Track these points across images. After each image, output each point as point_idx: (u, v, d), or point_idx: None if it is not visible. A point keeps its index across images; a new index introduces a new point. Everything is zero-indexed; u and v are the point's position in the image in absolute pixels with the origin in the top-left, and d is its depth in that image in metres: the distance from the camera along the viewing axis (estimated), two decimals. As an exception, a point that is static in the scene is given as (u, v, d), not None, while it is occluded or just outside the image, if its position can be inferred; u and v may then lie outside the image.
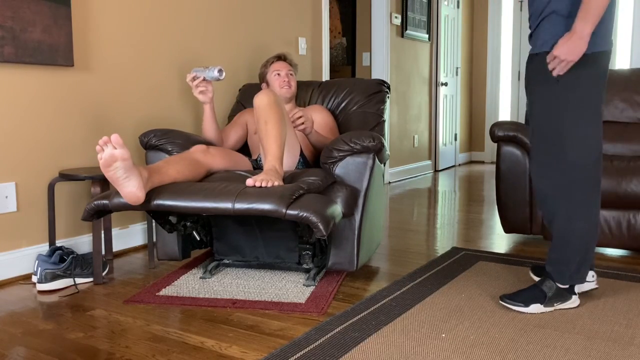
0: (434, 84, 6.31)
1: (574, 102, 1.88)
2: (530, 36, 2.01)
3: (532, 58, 2.00)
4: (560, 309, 2.03)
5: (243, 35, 3.63)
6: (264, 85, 2.91)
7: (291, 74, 2.86)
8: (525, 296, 2.02)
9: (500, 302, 2.06)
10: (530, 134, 2.05)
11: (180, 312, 2.06)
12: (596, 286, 2.18)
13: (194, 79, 2.59)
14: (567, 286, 2.02)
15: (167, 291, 2.27)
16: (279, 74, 2.83)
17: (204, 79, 2.59)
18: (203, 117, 2.66)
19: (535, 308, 2.00)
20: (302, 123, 2.53)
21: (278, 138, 2.23)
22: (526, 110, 2.06)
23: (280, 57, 2.90)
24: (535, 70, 1.98)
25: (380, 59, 5.31)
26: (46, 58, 2.52)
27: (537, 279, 2.32)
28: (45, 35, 2.50)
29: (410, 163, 5.96)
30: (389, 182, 5.50)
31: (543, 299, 2.00)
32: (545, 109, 1.94)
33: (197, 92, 2.61)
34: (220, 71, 2.54)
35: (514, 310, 2.01)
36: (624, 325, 1.90)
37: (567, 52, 1.82)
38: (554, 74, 1.88)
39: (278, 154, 2.20)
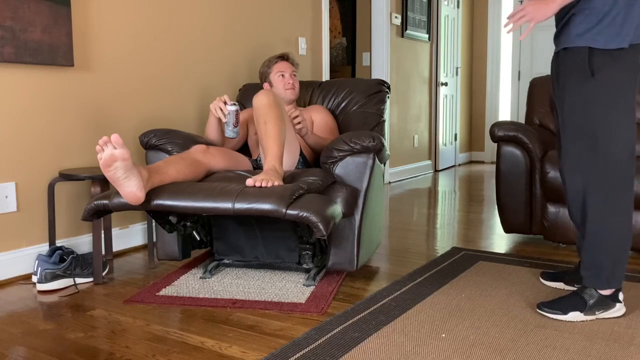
0: (434, 84, 6.31)
1: (608, 97, 1.85)
2: (557, 34, 1.98)
3: (563, 53, 1.95)
4: (603, 318, 1.96)
5: (243, 35, 3.63)
6: (265, 84, 2.90)
7: (294, 75, 2.85)
8: (563, 304, 1.96)
9: (538, 310, 2.00)
10: (560, 129, 2.00)
11: (180, 312, 2.06)
12: None
13: (222, 107, 2.47)
14: (609, 293, 1.95)
15: (167, 291, 2.27)
16: (283, 75, 2.82)
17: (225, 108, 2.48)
18: (208, 120, 2.64)
19: (575, 316, 1.93)
20: (299, 123, 2.53)
21: (278, 138, 2.23)
22: (556, 105, 2.03)
23: (284, 57, 2.89)
24: (567, 65, 1.93)
25: (380, 59, 5.31)
26: (46, 58, 2.52)
27: (548, 283, 2.31)
28: (45, 35, 2.50)
29: (410, 163, 5.96)
30: (389, 182, 5.50)
31: (583, 307, 1.93)
32: (578, 103, 1.90)
33: (215, 108, 2.49)
34: (233, 130, 2.46)
35: (551, 318, 1.95)
36: (624, 325, 1.90)
37: (534, 10, 1.84)
38: (509, 29, 1.88)
39: (278, 154, 2.20)
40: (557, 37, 2.00)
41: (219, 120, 2.58)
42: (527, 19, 1.86)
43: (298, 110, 2.79)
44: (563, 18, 1.95)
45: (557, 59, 2.00)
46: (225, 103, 2.46)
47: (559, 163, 2.05)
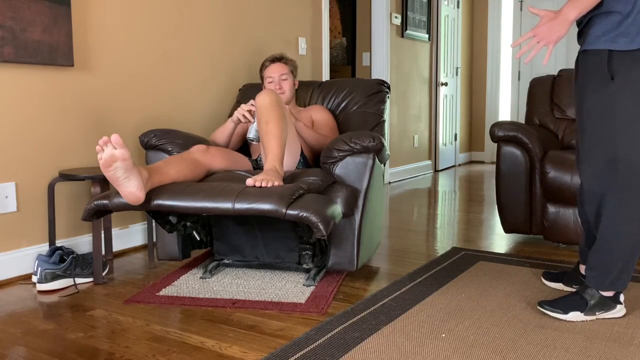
0: (434, 84, 6.31)
1: (629, 100, 1.81)
2: (579, 34, 1.94)
3: (583, 55, 1.93)
4: (603, 318, 1.96)
5: (243, 35, 3.63)
6: (263, 86, 2.91)
7: (284, 79, 2.82)
8: (564, 303, 1.95)
9: (538, 307, 2.00)
10: (578, 131, 1.97)
11: (180, 312, 2.06)
12: None
13: (250, 113, 2.51)
14: (611, 294, 1.95)
15: (167, 291, 2.27)
16: (271, 82, 2.82)
17: (252, 113, 2.52)
18: (223, 126, 2.66)
19: (575, 316, 1.93)
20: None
21: (279, 138, 2.23)
22: (576, 107, 2.00)
23: (274, 60, 2.87)
24: (586, 68, 1.90)
25: (380, 59, 5.31)
26: (46, 58, 2.52)
27: (549, 284, 2.31)
28: (45, 35, 2.50)
29: (410, 163, 5.96)
30: (389, 182, 5.50)
31: (584, 307, 1.93)
32: (598, 107, 1.86)
33: (244, 113, 2.52)
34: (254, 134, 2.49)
35: (552, 317, 1.95)
36: (624, 325, 1.90)
37: (547, 33, 1.79)
38: (526, 60, 1.83)
39: (278, 154, 2.20)
40: (578, 37, 1.97)
41: (237, 126, 2.64)
42: (544, 43, 1.81)
43: (300, 109, 2.79)
44: (583, 19, 1.91)
45: (578, 61, 1.97)
46: (252, 105, 2.50)
47: (577, 164, 2.01)
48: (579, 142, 1.98)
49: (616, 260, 1.90)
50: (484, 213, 3.92)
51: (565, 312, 1.94)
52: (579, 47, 1.97)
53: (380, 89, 2.95)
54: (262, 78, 2.90)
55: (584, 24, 1.91)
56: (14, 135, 2.48)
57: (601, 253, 1.93)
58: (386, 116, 2.90)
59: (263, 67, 2.88)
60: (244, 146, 2.88)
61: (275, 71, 2.82)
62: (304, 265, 2.42)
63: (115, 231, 2.91)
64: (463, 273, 2.48)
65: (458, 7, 6.71)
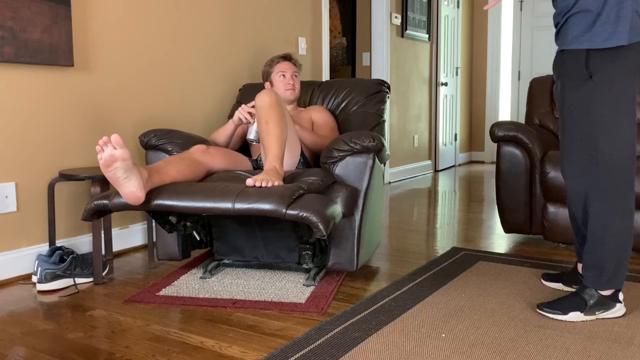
0: (434, 84, 6.31)
1: (607, 98, 1.84)
2: (557, 33, 1.98)
3: (561, 55, 1.97)
4: (603, 318, 1.96)
5: (243, 35, 3.63)
6: (267, 84, 2.90)
7: (296, 76, 2.85)
8: (564, 304, 1.96)
9: (538, 310, 2.00)
10: (560, 131, 2.01)
11: (180, 312, 2.06)
12: None
13: (251, 114, 2.54)
14: (610, 293, 1.95)
15: (167, 291, 2.27)
16: (284, 76, 2.82)
17: (252, 116, 2.56)
18: (224, 127, 2.67)
19: (575, 316, 1.93)
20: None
21: (279, 138, 2.23)
22: (558, 108, 2.04)
23: (286, 57, 2.89)
24: (566, 67, 1.94)
25: (380, 59, 5.31)
26: (46, 58, 2.52)
27: (548, 284, 2.31)
28: (45, 35, 2.50)
29: (410, 163, 5.96)
30: (389, 182, 5.50)
31: (583, 307, 1.93)
32: (577, 106, 1.90)
33: (244, 114, 2.55)
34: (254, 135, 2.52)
35: (552, 318, 1.95)
36: (624, 325, 1.90)
37: None
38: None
39: (279, 154, 2.20)
40: (556, 38, 2.01)
41: (237, 127, 2.65)
42: None
43: (300, 110, 2.79)
44: (560, 20, 1.95)
45: (557, 61, 2.01)
46: (253, 107, 2.51)
47: (560, 164, 2.05)
48: (561, 142, 2.02)
49: (609, 258, 1.92)
50: (484, 213, 3.92)
51: (565, 312, 1.94)
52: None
53: (380, 89, 2.95)
54: (266, 74, 2.89)
55: (561, 25, 1.95)
56: (14, 135, 2.48)
57: (594, 252, 1.94)
58: (386, 116, 2.90)
59: (272, 63, 2.87)
60: (244, 146, 2.88)
61: (289, 67, 2.85)
62: (304, 265, 2.42)
63: (115, 231, 2.91)
64: (463, 273, 2.48)
65: (458, 7, 6.71)
